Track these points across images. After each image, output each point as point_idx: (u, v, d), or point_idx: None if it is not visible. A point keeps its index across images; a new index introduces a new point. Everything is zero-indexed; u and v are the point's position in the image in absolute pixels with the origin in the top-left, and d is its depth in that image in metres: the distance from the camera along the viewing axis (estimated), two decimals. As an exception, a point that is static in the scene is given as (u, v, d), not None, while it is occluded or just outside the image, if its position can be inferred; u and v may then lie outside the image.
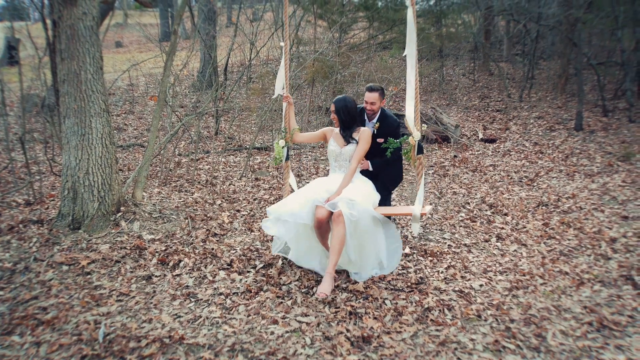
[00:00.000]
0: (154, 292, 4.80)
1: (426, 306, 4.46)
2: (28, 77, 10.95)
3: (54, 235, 5.75)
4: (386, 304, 4.52)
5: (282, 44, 5.66)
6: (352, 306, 4.46)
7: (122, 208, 6.16)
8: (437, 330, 4.15)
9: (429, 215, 6.90)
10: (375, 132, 5.52)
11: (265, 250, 5.68)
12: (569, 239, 6.03)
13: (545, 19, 15.49)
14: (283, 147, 5.56)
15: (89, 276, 5.04)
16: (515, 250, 5.77)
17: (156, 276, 5.09)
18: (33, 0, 11.35)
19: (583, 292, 4.77)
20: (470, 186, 8.41)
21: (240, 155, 10.06)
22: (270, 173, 8.79)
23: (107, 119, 5.97)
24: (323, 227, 4.91)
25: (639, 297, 4.63)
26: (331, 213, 4.79)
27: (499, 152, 10.76)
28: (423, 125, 5.05)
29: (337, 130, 5.37)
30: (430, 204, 7.39)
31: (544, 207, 7.16)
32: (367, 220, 4.83)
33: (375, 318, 4.29)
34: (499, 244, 5.96)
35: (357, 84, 11.80)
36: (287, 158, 5.64)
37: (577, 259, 5.51)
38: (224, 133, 11.66)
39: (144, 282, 4.99)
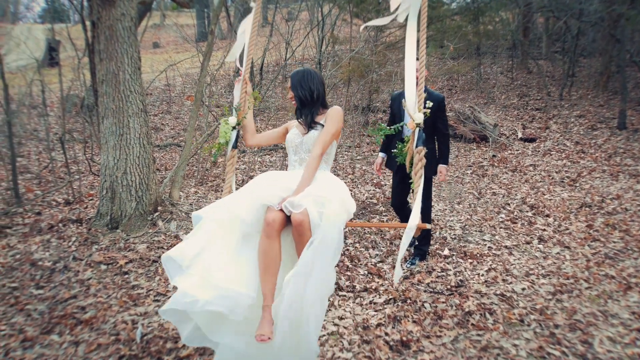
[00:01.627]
0: (191, 292, 4.78)
1: (467, 310, 4.35)
2: (68, 77, 11.12)
3: (92, 235, 5.80)
4: (425, 307, 4.43)
5: (252, 3, 4.12)
6: (390, 309, 4.38)
7: (159, 208, 6.18)
8: (478, 335, 4.04)
9: (453, 236, 6.11)
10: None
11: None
12: (614, 242, 5.84)
13: (587, 15, 15.13)
14: (233, 129, 3.86)
15: (126, 276, 5.06)
16: (558, 253, 5.60)
17: (193, 276, 5.08)
18: (73, 2, 11.50)
19: (631, 297, 4.60)
20: (510, 186, 8.22)
21: (276, 155, 10.04)
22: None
23: (144, 119, 5.99)
24: (271, 241, 3.15)
25: (691, 303, 4.44)
26: (287, 217, 3.19)
27: (539, 151, 10.51)
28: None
29: None
30: (458, 203, 7.25)
31: (587, 209, 6.95)
32: (334, 240, 3.13)
33: (414, 322, 4.21)
34: (541, 246, 5.80)
35: (393, 82, 11.66)
36: (235, 145, 3.90)
37: (624, 263, 5.32)
38: (260, 132, 11.65)
39: (180, 282, 4.98)
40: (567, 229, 6.26)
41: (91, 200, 7.12)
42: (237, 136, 3.92)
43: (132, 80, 5.86)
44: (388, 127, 3.96)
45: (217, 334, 3.15)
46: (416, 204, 3.47)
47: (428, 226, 3.53)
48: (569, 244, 5.83)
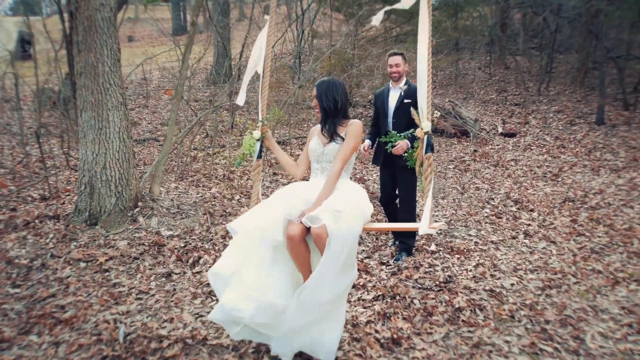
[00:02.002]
0: (174, 290, 4.66)
1: (457, 306, 4.30)
2: (42, 70, 10.84)
3: (70, 231, 5.63)
4: (415, 304, 4.36)
5: (266, 17, 4.34)
6: (379, 306, 4.31)
7: (139, 203, 6.03)
8: (469, 331, 3.99)
9: (439, 231, 6.09)
10: (402, 93, 5.32)
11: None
12: (599, 236, 5.84)
13: (565, 11, 15.21)
14: (257, 140, 4.07)
15: (107, 273, 4.92)
16: (544, 248, 5.58)
17: (176, 273, 4.96)
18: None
19: (619, 291, 4.59)
20: (493, 181, 8.21)
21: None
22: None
23: (124, 113, 5.84)
24: (296, 249, 3.46)
25: (679, 297, 4.44)
26: (307, 230, 3.43)
27: (519, 146, 10.54)
28: (435, 112, 3.78)
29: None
30: (442, 198, 7.22)
31: (570, 203, 6.96)
32: (346, 246, 3.30)
33: (404, 318, 4.14)
34: (527, 241, 5.78)
35: (375, 77, 11.60)
36: (260, 156, 4.13)
37: (610, 257, 5.32)
38: (240, 127, 11.51)
39: (163, 279, 4.86)
40: (552, 224, 6.25)
41: (68, 195, 6.93)
42: (261, 147, 4.13)
43: (112, 73, 5.70)
44: (399, 134, 4.35)
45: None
46: (426, 207, 3.58)
47: (441, 225, 3.81)
48: (554, 238, 5.82)
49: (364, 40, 12.08)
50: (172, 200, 6.50)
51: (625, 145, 10.08)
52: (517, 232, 5.99)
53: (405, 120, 5.08)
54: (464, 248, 5.49)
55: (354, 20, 12.23)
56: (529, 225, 6.23)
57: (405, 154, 3.96)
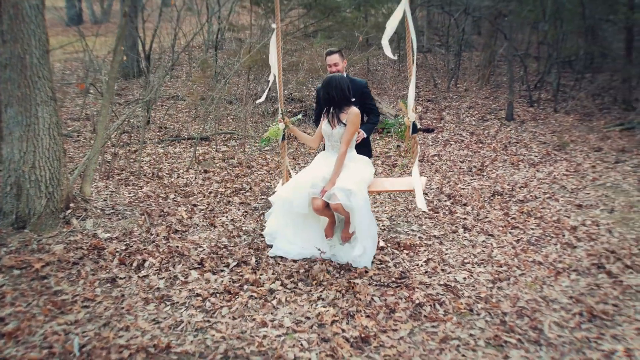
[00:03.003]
0: (123, 296, 4.42)
1: (417, 302, 4.34)
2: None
3: (-3, 236, 5.22)
4: (375, 301, 4.37)
5: (273, 25, 5.63)
6: (341, 304, 4.29)
7: (71, 205, 5.68)
8: (432, 326, 4.04)
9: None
10: None
11: (234, 247, 5.39)
12: (532, 229, 6.11)
13: (474, 10, 15.81)
14: (283, 130, 5.66)
15: (45, 280, 4.59)
16: (484, 241, 5.77)
17: (121, 278, 4.71)
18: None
19: (562, 282, 4.81)
20: (422, 176, 8.39)
21: (179, 146, 9.59)
22: (218, 164, 8.41)
23: (54, 108, 5.47)
24: (321, 213, 5.01)
25: (617, 285, 4.71)
26: (328, 204, 4.84)
27: (438, 141, 10.85)
28: (418, 107, 5.23)
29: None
30: (379, 194, 7.34)
31: (499, 197, 7.23)
32: (364, 209, 4.82)
33: (368, 316, 4.13)
34: (467, 234, 5.95)
35: (301, 72, 11.54)
36: (284, 138, 5.78)
37: (546, 249, 5.57)
38: (155, 123, 11.12)
39: (108, 285, 4.60)
40: (487, 217, 6.46)
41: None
42: (284, 132, 5.71)
43: (40, 65, 5.32)
44: (390, 121, 5.67)
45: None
46: (416, 183, 5.21)
47: (423, 181, 5.53)
48: (492, 231, 6.02)
49: (288, 36, 11.97)
50: (104, 200, 6.17)
51: (536, 140, 10.62)
52: (456, 227, 6.15)
53: None
54: (410, 243, 5.57)
55: (271, 14, 12.10)
56: (465, 219, 6.41)
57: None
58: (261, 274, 4.79)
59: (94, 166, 6.09)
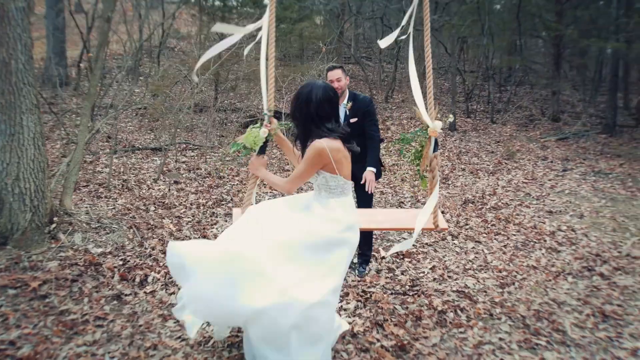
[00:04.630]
0: (135, 313, 4.22)
1: (439, 309, 4.40)
2: None
3: (-22, 255, 4.84)
4: (397, 309, 4.38)
5: (266, 1, 3.88)
6: (366, 314, 4.27)
7: (54, 218, 5.36)
8: (461, 332, 4.10)
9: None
10: (347, 112, 4.97)
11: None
12: (514, 234, 6.32)
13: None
14: (267, 137, 3.65)
15: (47, 300, 4.31)
16: (474, 248, 5.91)
17: (126, 295, 4.49)
18: None
19: (562, 285, 5.00)
20: (390, 185, 8.51)
21: (135, 157, 9.25)
22: (184, 175, 8.17)
23: (38, 116, 5.15)
24: None
25: (614, 286, 4.95)
26: None
27: (391, 151, 11.01)
28: (450, 116, 4.43)
29: None
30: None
31: (471, 205, 7.44)
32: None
33: (396, 325, 4.14)
34: (455, 242, 6.08)
35: (254, 81, 11.40)
36: (263, 151, 3.72)
37: (534, 253, 5.78)
38: (102, 132, 10.66)
39: (115, 302, 4.37)
40: (467, 224, 6.63)
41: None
42: (266, 143, 3.71)
43: (26, 71, 5.00)
44: (408, 135, 4.16)
45: None
46: (431, 199, 4.03)
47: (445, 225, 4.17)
48: (478, 238, 6.18)
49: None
50: (87, 213, 5.85)
51: (484, 150, 11.02)
52: (443, 234, 6.27)
53: (355, 134, 4.42)
54: (408, 251, 5.62)
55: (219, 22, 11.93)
56: (448, 226, 6.54)
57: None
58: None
59: (74, 178, 5.77)
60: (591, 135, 12.47)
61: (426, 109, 4.10)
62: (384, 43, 4.57)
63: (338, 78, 4.96)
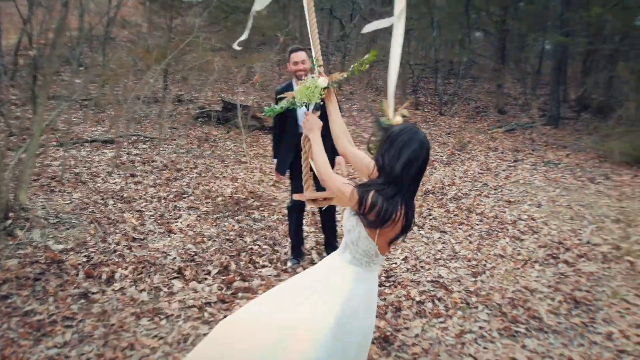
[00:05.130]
0: (105, 312, 4.03)
1: (417, 299, 4.39)
2: None
3: None
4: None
5: None
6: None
7: (10, 214, 5.07)
8: (441, 322, 4.11)
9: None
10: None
11: (204, 253, 5.10)
12: (477, 224, 6.39)
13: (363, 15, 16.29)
14: (323, 90, 2.94)
15: (9, 300, 4.08)
16: (440, 238, 5.94)
17: (94, 293, 4.29)
18: None
19: (531, 272, 5.08)
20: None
21: (84, 149, 8.87)
22: (139, 168, 7.89)
23: (-8, 106, 4.87)
24: None
25: (581, 272, 5.07)
26: None
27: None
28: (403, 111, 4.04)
29: None
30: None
31: (432, 195, 7.49)
32: None
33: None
34: (422, 232, 6.09)
35: (207, 72, 11.15)
36: (319, 107, 3.02)
37: (499, 242, 5.85)
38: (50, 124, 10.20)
39: (83, 301, 4.17)
40: (431, 215, 6.66)
41: None
42: (321, 98, 2.98)
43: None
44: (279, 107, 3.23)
45: None
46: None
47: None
48: (443, 228, 6.22)
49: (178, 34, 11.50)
50: (44, 208, 5.57)
51: (435, 141, 11.21)
52: (408, 224, 6.26)
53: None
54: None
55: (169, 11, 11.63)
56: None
57: None
58: (252, 280, 4.59)
59: (30, 171, 5.48)
60: (536, 127, 12.80)
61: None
62: (368, 29, 4.35)
63: (303, 60, 4.71)
